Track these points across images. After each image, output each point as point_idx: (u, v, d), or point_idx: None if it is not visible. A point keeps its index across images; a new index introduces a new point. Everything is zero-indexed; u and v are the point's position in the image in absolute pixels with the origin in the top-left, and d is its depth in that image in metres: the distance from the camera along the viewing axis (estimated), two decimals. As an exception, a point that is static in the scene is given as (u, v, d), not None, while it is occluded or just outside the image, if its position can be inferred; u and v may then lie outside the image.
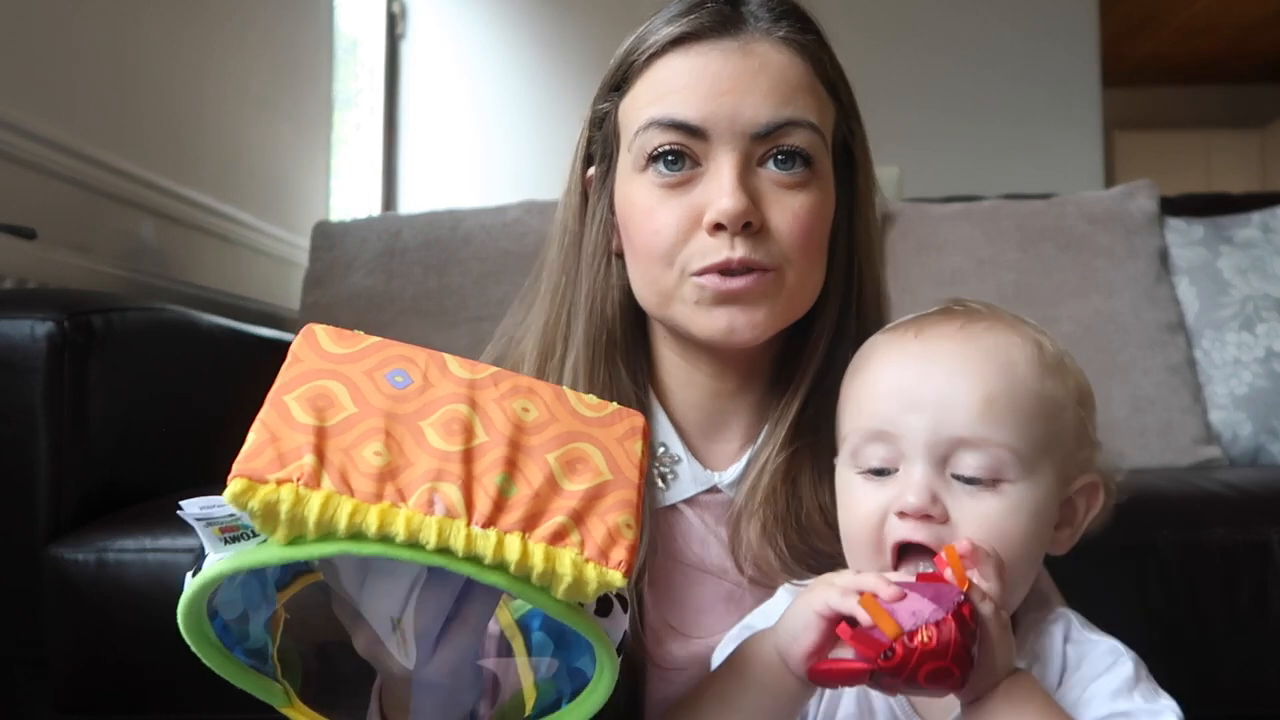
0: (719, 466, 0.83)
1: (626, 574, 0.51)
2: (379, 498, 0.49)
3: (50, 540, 1.11)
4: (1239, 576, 1.09)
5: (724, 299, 0.75)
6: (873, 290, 0.84)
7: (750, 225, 0.74)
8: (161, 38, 1.91)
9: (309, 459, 0.49)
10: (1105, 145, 3.54)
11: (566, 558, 0.50)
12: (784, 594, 0.76)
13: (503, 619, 0.65)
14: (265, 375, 0.55)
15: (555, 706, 0.59)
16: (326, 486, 0.49)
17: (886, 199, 1.67)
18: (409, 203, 3.16)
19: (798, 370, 0.82)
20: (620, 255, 0.82)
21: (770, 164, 0.75)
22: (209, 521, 0.51)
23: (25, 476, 1.11)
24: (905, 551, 0.66)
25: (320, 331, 0.57)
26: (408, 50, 3.24)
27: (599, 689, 0.55)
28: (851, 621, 0.59)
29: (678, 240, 0.75)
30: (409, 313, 1.74)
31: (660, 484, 0.82)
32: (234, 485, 0.48)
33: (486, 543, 0.49)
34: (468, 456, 0.52)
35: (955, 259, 1.71)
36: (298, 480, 0.49)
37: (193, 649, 0.55)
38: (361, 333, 0.58)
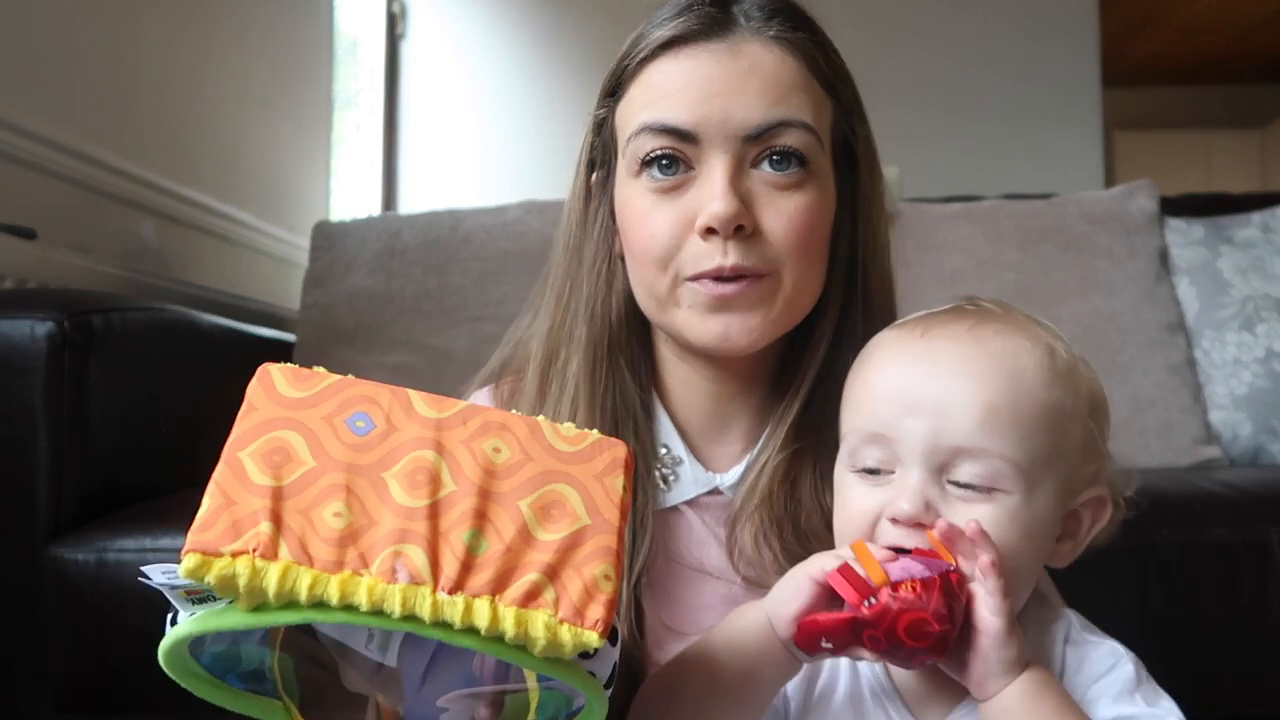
0: (720, 468, 0.83)
1: (604, 634, 0.49)
2: (340, 565, 0.47)
3: (50, 540, 1.11)
4: (1239, 576, 1.09)
5: (718, 305, 0.74)
6: (880, 289, 0.83)
7: (742, 229, 0.73)
8: (161, 38, 1.91)
9: (265, 526, 0.48)
10: (1105, 145, 3.54)
11: (539, 620, 0.48)
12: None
13: None
14: (265, 376, 0.54)
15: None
16: (284, 556, 0.47)
17: (891, 197, 1.66)
18: (409, 203, 3.16)
19: (799, 372, 0.81)
20: (623, 259, 0.82)
21: (764, 165, 0.75)
22: (172, 586, 0.49)
23: (25, 476, 1.11)
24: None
25: (276, 373, 0.54)
26: (408, 50, 3.24)
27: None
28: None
29: (671, 245, 0.75)
30: (409, 313, 1.74)
31: (661, 485, 0.82)
32: (188, 560, 0.47)
33: (454, 609, 0.47)
34: (434, 511, 0.50)
35: (955, 259, 1.71)
36: (253, 551, 0.47)
37: (182, 685, 0.54)
38: (321, 369, 0.55)
